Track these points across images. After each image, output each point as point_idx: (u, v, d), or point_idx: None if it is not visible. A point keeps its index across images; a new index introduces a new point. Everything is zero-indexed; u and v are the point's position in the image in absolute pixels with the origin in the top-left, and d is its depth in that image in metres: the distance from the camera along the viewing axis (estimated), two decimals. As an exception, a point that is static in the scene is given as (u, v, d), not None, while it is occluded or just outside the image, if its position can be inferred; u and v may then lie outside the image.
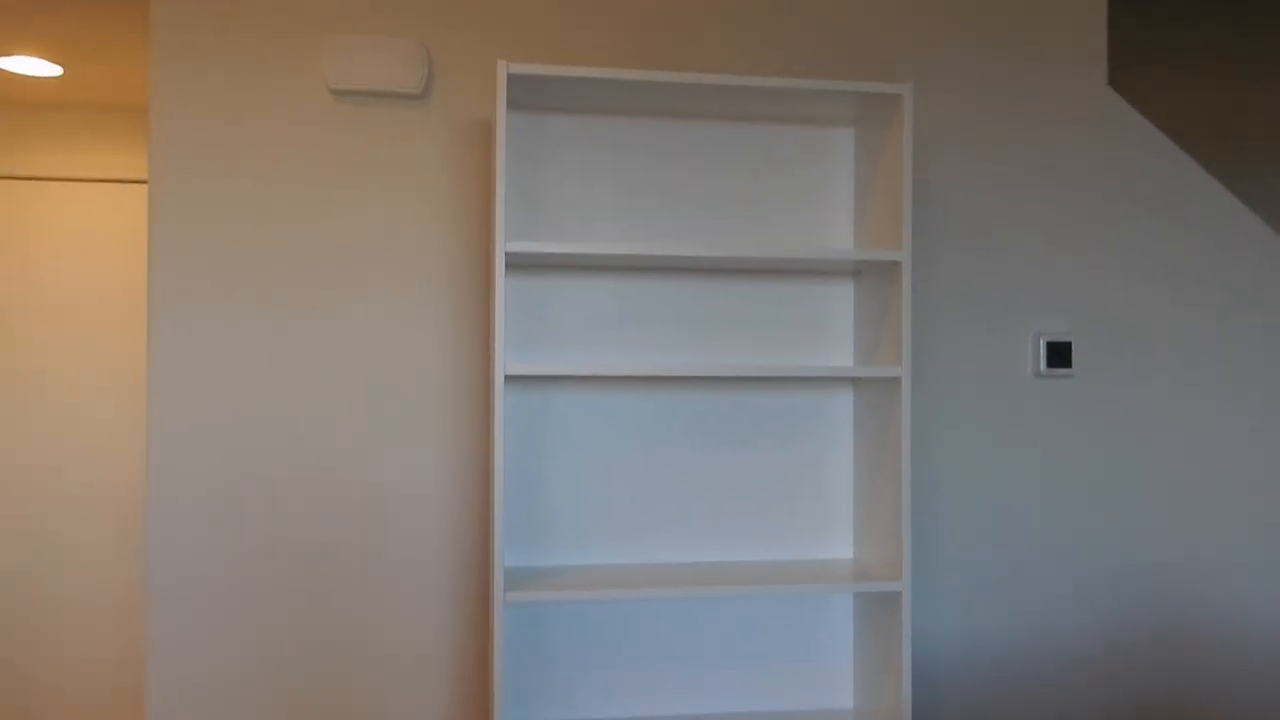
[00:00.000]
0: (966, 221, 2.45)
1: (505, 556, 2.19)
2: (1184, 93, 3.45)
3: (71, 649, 3.18)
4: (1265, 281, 2.55)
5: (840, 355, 2.32)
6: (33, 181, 3.20)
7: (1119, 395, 2.50)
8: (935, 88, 2.44)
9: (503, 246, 1.92)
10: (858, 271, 2.28)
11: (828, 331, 2.32)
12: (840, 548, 2.31)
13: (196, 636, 2.15)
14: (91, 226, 3.22)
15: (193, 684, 2.15)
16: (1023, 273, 2.46)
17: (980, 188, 2.45)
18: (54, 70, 2.84)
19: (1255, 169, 3.31)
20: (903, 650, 2.04)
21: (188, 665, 2.14)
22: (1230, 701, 2.53)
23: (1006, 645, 2.44)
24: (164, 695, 2.13)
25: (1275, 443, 2.55)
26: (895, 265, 2.08)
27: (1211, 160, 2.57)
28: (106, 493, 3.20)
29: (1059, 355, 2.49)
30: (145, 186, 3.26)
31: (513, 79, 1.96)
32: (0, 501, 3.17)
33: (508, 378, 2.16)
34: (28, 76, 2.91)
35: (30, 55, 2.73)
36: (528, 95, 2.09)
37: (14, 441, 3.17)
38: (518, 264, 2.14)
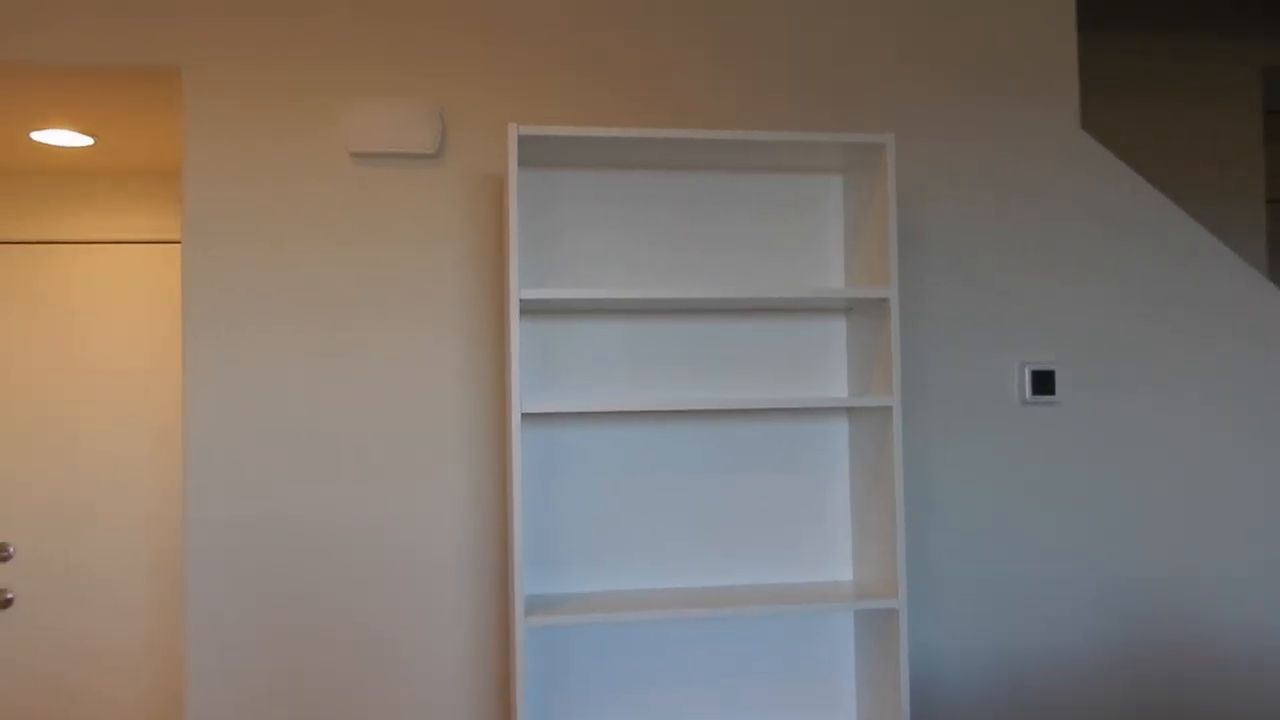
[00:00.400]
0: (953, 259, 2.59)
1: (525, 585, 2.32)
2: (1151, 127, 3.62)
3: (106, 686, 3.29)
4: (1231, 303, 2.69)
5: (835, 387, 2.46)
6: (68, 245, 3.36)
7: (1102, 418, 2.63)
8: (920, 134, 2.60)
9: (517, 294, 2.07)
10: (850, 308, 2.42)
11: (823, 365, 2.46)
12: (840, 569, 2.43)
13: (232, 667, 2.27)
14: (124, 285, 3.38)
15: (229, 713, 2.26)
16: (1007, 305, 2.61)
17: (965, 227, 2.60)
18: (85, 141, 3.01)
19: (1216, 197, 3.47)
20: (900, 665, 2.16)
21: (224, 695, 2.26)
22: (1230, 715, 2.63)
23: (1003, 662, 2.55)
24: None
25: (1254, 456, 2.68)
26: (884, 302, 2.23)
27: (1176, 190, 2.72)
28: (140, 540, 3.33)
29: (1043, 383, 2.62)
30: (175, 246, 3.42)
31: (523, 139, 2.12)
32: (39, 548, 3.29)
33: (524, 415, 2.30)
34: (61, 147, 3.08)
35: (63, 129, 2.90)
36: (537, 153, 2.25)
37: (52, 492, 3.31)
38: (531, 309, 2.29)
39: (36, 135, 2.95)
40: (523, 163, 2.33)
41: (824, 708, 2.42)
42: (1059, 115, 2.66)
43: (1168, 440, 2.65)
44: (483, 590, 2.36)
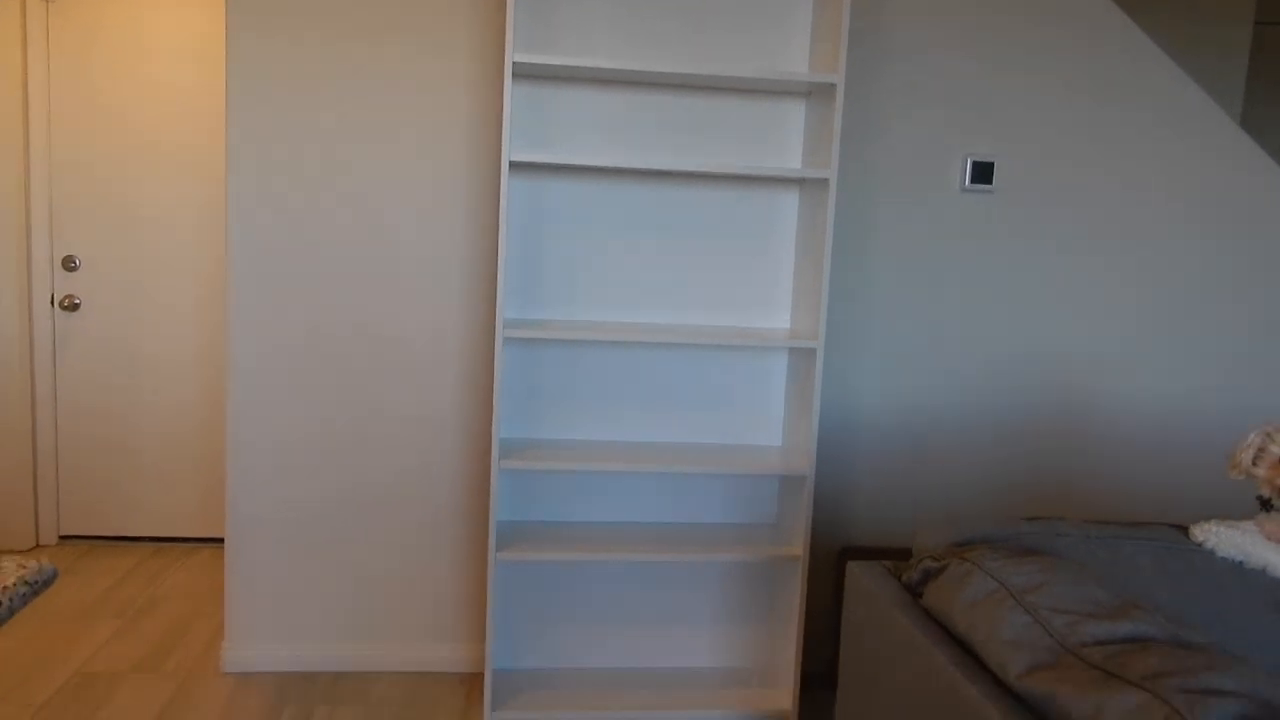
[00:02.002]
0: (914, 59, 2.87)
1: (507, 309, 2.77)
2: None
3: (158, 380, 3.85)
4: (1165, 116, 2.97)
5: (792, 162, 2.80)
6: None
7: (1031, 209, 2.97)
8: (892, -67, 2.83)
9: (511, 57, 2.41)
10: (809, 92, 2.74)
11: (783, 142, 2.79)
12: (780, 318, 2.86)
13: (265, 365, 2.76)
14: (167, 30, 3.71)
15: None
16: (958, 104, 2.90)
17: (926, 27, 2.86)
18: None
19: (1209, 17, 3.64)
20: (814, 396, 2.61)
21: (259, 390, 2.77)
22: (1111, 464, 3.10)
23: (912, 413, 3.01)
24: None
25: (1164, 255, 3.03)
26: (833, 87, 2.54)
27: (1150, 19, 2.93)
28: (188, 253, 3.80)
29: (982, 173, 2.95)
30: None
31: (523, -85, 2.40)
32: (101, 260, 3.77)
33: (512, 164, 2.67)
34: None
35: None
36: (537, -71, 2.53)
37: (111, 210, 3.76)
38: (523, 74, 2.62)
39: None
40: (525, -63, 2.61)
41: (758, 430, 2.90)
42: (1029, -77, 2.87)
43: (1086, 233, 3.00)
44: (475, 312, 2.81)
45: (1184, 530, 1.73)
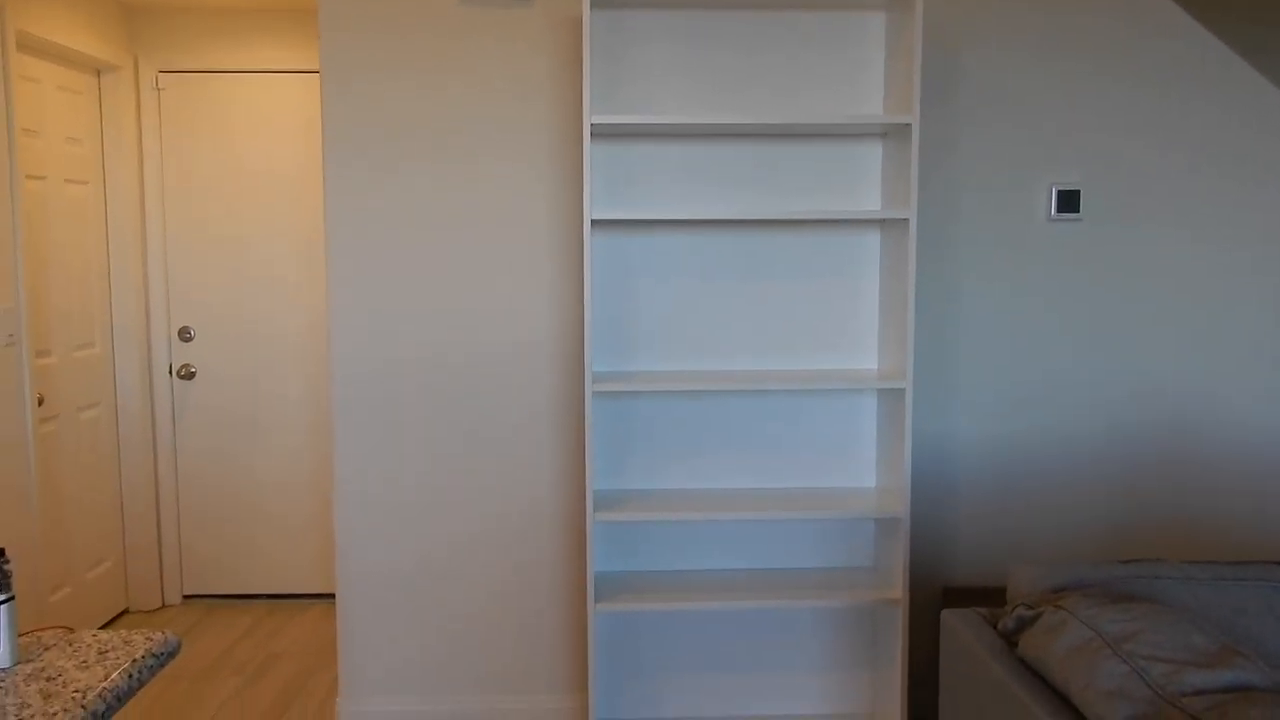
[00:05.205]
0: (993, 92, 2.86)
1: (596, 363, 2.83)
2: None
3: (269, 437, 4.02)
4: (1260, 134, 2.89)
5: (871, 204, 2.82)
6: (223, 74, 3.89)
7: (1121, 236, 2.92)
8: (962, -29, 2.83)
9: (589, 119, 2.48)
10: (885, 134, 2.75)
11: (861, 184, 2.81)
12: (867, 359, 2.86)
13: (369, 415, 2.87)
14: (271, 107, 3.91)
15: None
16: (1040, 134, 2.88)
17: (1006, 65, 2.85)
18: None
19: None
20: (905, 436, 2.60)
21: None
22: (1216, 499, 2.99)
23: (1006, 449, 2.96)
24: (349, 468, 2.88)
25: (1255, 282, 2.94)
26: (908, 127, 2.55)
27: (1236, 33, 2.86)
28: (293, 320, 3.97)
29: (1068, 202, 2.92)
30: (307, 75, 3.90)
31: (595, -16, 2.49)
32: (213, 330, 3.97)
33: (594, 222, 2.74)
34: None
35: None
36: (609, -5, 2.62)
37: (223, 283, 3.96)
38: (602, 133, 2.70)
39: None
40: (597, 4, 2.69)
41: (850, 472, 2.89)
42: (1103, -50, 2.84)
43: (1178, 259, 2.93)
44: (566, 368, 2.88)
45: (1292, 569, 1.68)
